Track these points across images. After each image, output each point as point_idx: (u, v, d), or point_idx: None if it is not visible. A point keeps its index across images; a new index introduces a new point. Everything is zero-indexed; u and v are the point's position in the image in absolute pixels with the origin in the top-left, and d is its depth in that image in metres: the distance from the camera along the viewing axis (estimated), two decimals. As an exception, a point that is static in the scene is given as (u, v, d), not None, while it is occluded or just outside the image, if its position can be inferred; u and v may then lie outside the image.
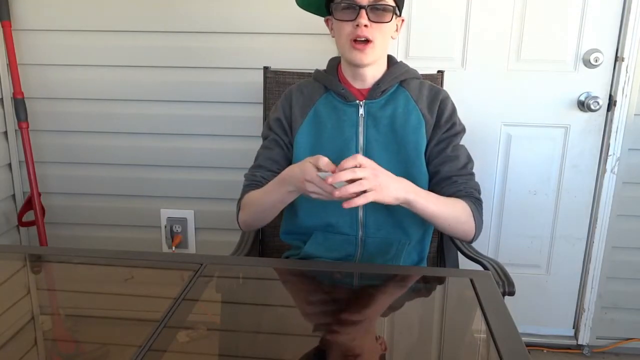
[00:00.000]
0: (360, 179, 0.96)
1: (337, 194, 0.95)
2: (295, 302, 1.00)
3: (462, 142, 1.25)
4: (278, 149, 1.26)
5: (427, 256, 1.30)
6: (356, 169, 0.97)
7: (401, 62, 1.28)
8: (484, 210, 1.21)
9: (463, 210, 1.15)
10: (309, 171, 1.00)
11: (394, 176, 1.05)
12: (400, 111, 1.21)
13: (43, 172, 2.00)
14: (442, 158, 1.20)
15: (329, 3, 1.19)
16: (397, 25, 1.21)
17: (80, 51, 1.89)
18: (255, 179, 1.24)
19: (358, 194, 0.97)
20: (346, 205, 0.96)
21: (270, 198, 1.15)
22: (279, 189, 1.12)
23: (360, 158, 0.98)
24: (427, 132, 1.21)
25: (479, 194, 1.21)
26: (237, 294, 1.01)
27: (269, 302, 0.98)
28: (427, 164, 1.21)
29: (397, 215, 1.20)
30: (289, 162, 1.24)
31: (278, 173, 1.16)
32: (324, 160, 0.99)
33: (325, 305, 0.95)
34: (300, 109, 1.25)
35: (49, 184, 2.02)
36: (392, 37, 1.20)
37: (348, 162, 0.98)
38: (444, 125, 1.21)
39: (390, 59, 1.27)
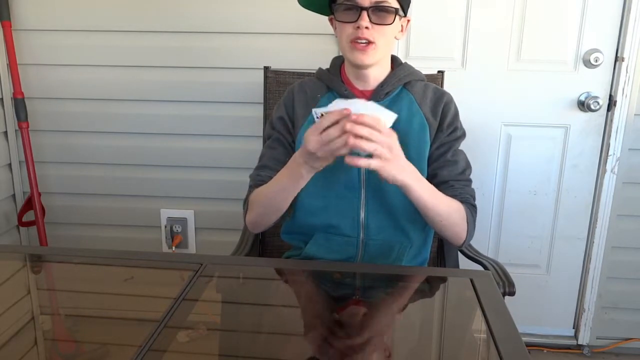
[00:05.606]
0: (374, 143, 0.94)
1: (351, 141, 0.93)
2: (295, 303, 0.99)
3: (462, 145, 1.24)
4: (282, 148, 1.24)
5: (428, 259, 1.29)
6: (377, 132, 0.95)
7: (406, 63, 1.26)
8: (482, 211, 1.21)
9: (458, 212, 1.14)
10: (309, 130, 0.98)
11: (404, 158, 1.03)
12: (404, 114, 1.19)
13: (43, 172, 2.00)
14: (441, 162, 1.20)
15: (332, 3, 1.18)
16: (402, 25, 1.20)
17: (80, 51, 1.89)
18: (261, 178, 1.22)
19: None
20: (348, 160, 0.95)
21: (280, 183, 1.12)
22: (287, 171, 1.10)
23: (386, 127, 0.96)
24: (431, 136, 1.20)
25: (474, 200, 1.21)
26: (237, 294, 1.01)
27: (269, 302, 0.98)
28: (426, 166, 1.20)
29: (399, 218, 1.20)
30: None
31: None
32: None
33: (325, 307, 0.95)
34: (302, 107, 1.24)
35: (49, 184, 2.02)
36: (396, 37, 1.19)
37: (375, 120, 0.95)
38: (447, 129, 1.20)
39: (395, 60, 1.25)
